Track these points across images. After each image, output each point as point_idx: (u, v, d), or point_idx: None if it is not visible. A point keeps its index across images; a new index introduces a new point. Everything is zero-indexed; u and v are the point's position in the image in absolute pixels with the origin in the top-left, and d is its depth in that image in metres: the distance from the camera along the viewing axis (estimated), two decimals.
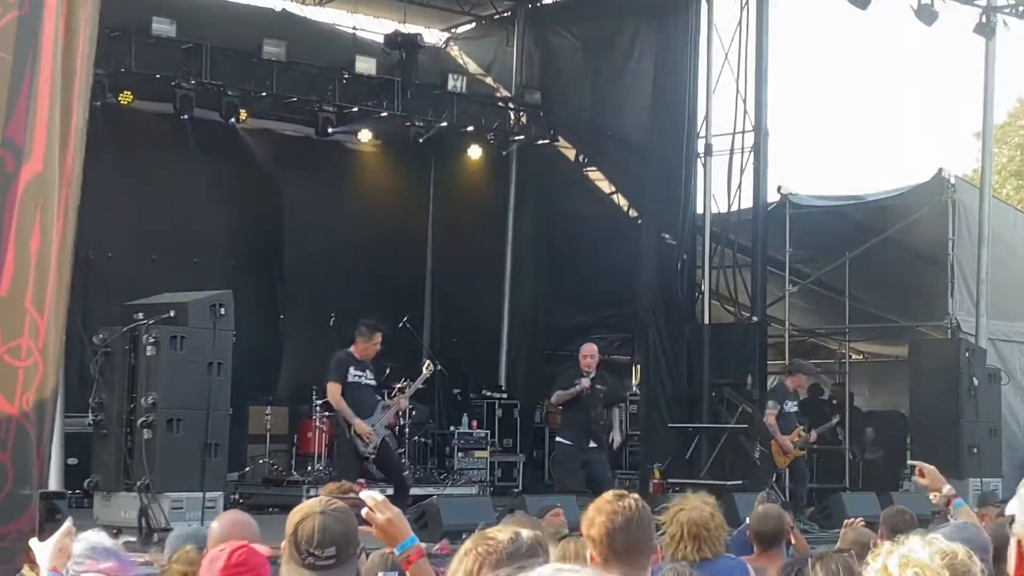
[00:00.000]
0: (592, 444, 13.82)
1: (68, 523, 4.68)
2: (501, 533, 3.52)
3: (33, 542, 4.62)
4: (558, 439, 14.45)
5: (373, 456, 12.56)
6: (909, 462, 7.00)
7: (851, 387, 20.15)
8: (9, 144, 7.15)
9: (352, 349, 12.57)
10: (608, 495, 4.11)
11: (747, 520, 9.18)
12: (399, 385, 13.38)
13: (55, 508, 4.68)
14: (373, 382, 12.69)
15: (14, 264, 7.14)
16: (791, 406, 15.28)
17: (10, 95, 7.17)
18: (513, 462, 17.65)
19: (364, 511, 3.97)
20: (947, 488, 6.41)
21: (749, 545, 8.29)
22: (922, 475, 6.50)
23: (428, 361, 13.68)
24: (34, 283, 7.22)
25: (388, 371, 14.30)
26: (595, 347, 14.36)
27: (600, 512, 4.01)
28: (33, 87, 7.24)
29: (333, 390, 12.50)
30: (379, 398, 12.85)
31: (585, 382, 13.77)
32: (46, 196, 7.27)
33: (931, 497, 7.39)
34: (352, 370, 12.45)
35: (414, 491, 13.81)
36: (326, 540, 3.74)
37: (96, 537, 4.85)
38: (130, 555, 5.09)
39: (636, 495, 4.18)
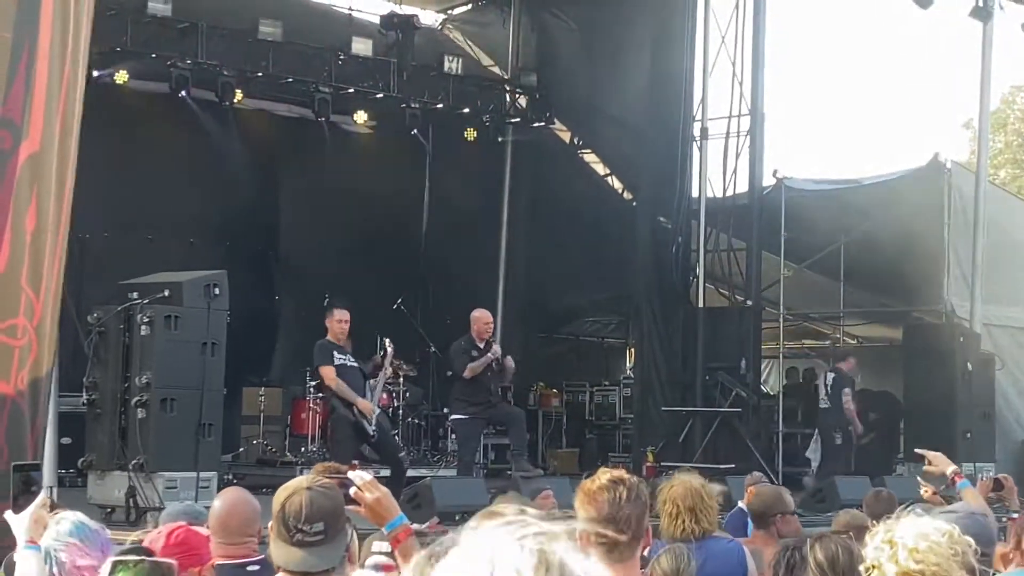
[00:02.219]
0: (489, 407, 13.65)
1: (43, 495, 4.68)
2: (508, 509, 3.52)
3: (8, 515, 4.62)
4: (454, 417, 13.97)
5: (374, 436, 12.56)
6: (917, 450, 6.99)
7: None
8: (7, 123, 7.15)
9: (329, 336, 12.59)
10: (603, 478, 4.02)
11: (739, 503, 9.24)
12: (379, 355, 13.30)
13: (30, 480, 4.68)
14: (356, 364, 12.72)
15: (10, 243, 7.14)
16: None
17: (8, 74, 7.16)
18: (506, 444, 17.59)
19: (352, 491, 3.97)
20: (951, 468, 6.44)
21: (743, 528, 8.32)
22: (931, 464, 6.55)
23: (387, 341, 13.53)
24: (29, 262, 7.23)
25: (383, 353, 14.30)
26: (489, 313, 13.84)
27: (589, 497, 3.96)
28: (31, 66, 7.23)
29: (328, 373, 12.52)
30: (362, 380, 12.82)
31: (497, 348, 13.42)
32: (42, 175, 7.27)
33: (922, 491, 7.41)
34: (336, 354, 12.48)
35: (408, 473, 13.81)
36: (314, 515, 3.73)
37: (76, 516, 4.85)
38: (110, 535, 5.10)
39: (633, 479, 4.07)
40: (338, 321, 12.55)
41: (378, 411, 12.85)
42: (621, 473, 4.04)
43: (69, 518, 4.71)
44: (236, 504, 4.63)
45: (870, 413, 19.64)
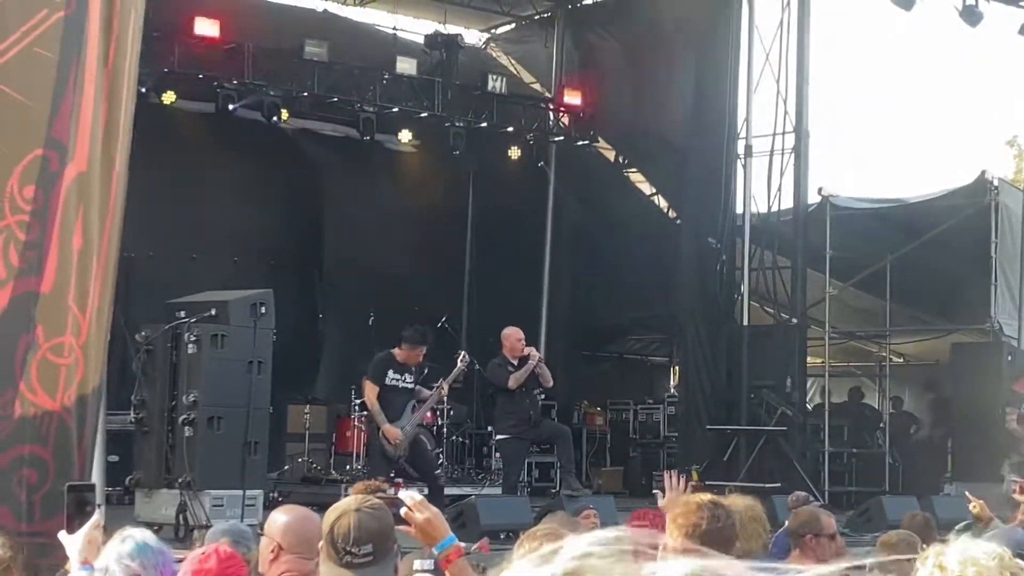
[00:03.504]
0: (533, 426, 13.54)
1: (98, 515, 4.70)
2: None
3: (62, 535, 4.65)
4: (499, 436, 13.79)
5: (403, 457, 12.53)
6: (1012, 478, 6.95)
7: (892, 390, 20.05)
8: (54, 143, 7.23)
9: (395, 351, 12.57)
10: (705, 497, 3.99)
11: (787, 523, 9.18)
12: (435, 385, 13.30)
13: (84, 500, 4.71)
14: (411, 386, 12.66)
15: (57, 262, 7.21)
16: None
17: (55, 94, 7.24)
18: (550, 462, 17.60)
19: (403, 511, 3.98)
20: None
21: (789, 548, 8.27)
22: (1022, 492, 6.46)
23: (463, 353, 13.59)
24: (76, 281, 7.29)
25: (427, 371, 14.34)
26: (519, 330, 13.58)
27: (689, 509, 3.93)
28: (78, 87, 7.31)
29: (369, 390, 12.55)
30: (412, 400, 12.79)
31: (535, 354, 13.31)
32: (89, 195, 7.34)
33: (971, 507, 7.34)
34: (391, 373, 12.47)
35: (452, 491, 13.81)
36: (363, 537, 3.75)
37: (143, 535, 4.84)
38: (174, 556, 5.11)
39: (729, 506, 4.05)
40: (416, 354, 12.54)
41: (420, 430, 12.79)
42: (721, 499, 4.03)
43: (135, 537, 4.70)
44: (302, 521, 4.58)
45: (919, 431, 19.53)
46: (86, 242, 7.31)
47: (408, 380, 12.58)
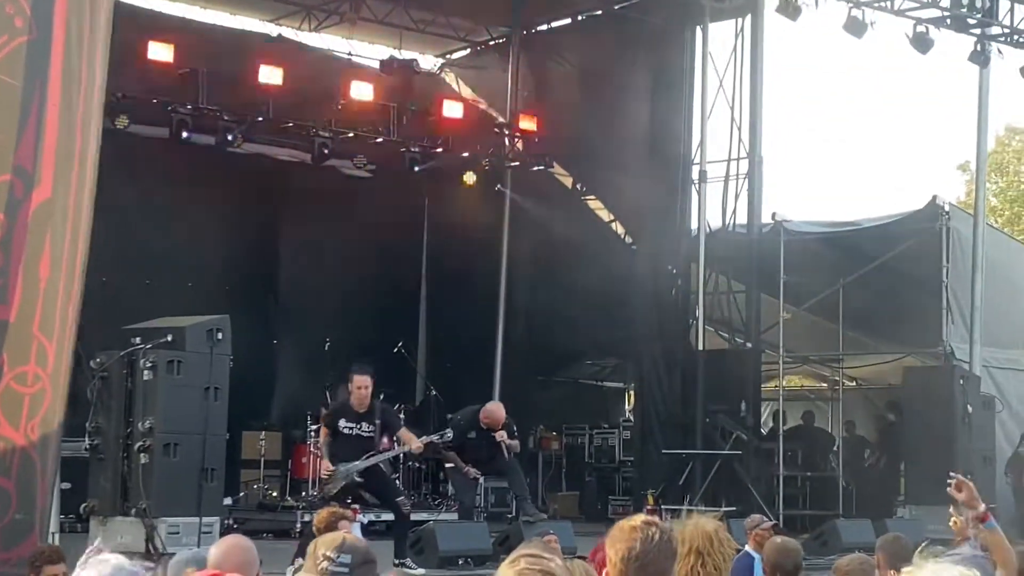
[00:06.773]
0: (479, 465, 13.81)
1: None
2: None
3: None
4: (448, 464, 13.95)
5: (330, 494, 12.10)
6: (950, 472, 6.93)
7: (844, 414, 20.17)
8: (18, 170, 7.19)
9: (350, 397, 12.20)
10: (637, 519, 4.04)
11: (746, 547, 9.22)
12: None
13: None
14: (366, 434, 12.07)
15: (22, 290, 7.16)
16: None
17: (19, 122, 7.20)
18: (506, 488, 17.60)
19: None
20: (982, 507, 6.38)
21: (748, 571, 8.30)
22: (959, 489, 6.48)
23: (449, 432, 13.57)
24: (42, 309, 7.25)
25: (382, 396, 14.26)
26: (503, 410, 13.77)
27: (623, 534, 3.96)
28: (42, 113, 7.27)
29: (322, 433, 12.41)
30: (368, 451, 12.10)
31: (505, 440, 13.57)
32: (55, 222, 7.31)
33: (951, 523, 7.37)
34: (343, 421, 12.05)
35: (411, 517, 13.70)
36: (345, 548, 4.03)
37: (118, 561, 4.74)
38: None
39: (665, 524, 4.09)
40: (357, 387, 12.03)
41: (356, 469, 12.27)
42: (656, 518, 4.06)
43: (111, 562, 4.59)
44: (233, 551, 4.67)
45: (869, 455, 19.63)
46: (52, 270, 7.27)
47: (366, 428, 12.05)
